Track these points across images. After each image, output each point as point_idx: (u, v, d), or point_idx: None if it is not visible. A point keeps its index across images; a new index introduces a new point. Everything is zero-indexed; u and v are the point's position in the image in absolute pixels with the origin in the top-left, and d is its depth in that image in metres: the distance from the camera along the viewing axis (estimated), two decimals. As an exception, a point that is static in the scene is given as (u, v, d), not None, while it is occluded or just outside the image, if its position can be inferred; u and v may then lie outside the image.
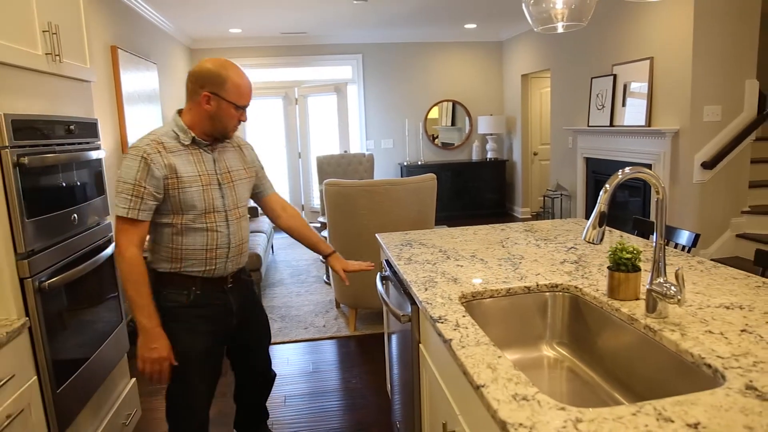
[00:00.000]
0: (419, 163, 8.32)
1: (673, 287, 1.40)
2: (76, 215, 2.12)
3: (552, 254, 2.22)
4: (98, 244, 2.34)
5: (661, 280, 1.44)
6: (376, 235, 2.70)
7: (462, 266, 2.08)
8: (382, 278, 2.37)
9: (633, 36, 5.43)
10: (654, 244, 1.52)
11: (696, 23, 4.66)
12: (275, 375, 2.40)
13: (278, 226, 2.28)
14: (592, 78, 6.10)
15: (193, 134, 1.86)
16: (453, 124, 8.71)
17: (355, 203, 3.60)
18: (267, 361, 2.34)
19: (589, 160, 6.29)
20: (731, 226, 5.03)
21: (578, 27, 2.30)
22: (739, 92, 4.89)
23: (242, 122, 1.93)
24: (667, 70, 5.00)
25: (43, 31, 2.00)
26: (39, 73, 2.02)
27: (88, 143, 2.32)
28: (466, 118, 8.64)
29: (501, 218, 8.29)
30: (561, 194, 6.87)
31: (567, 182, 6.86)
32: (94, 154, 2.31)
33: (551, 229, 2.75)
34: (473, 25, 7.55)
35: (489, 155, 8.51)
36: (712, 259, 4.79)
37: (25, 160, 1.75)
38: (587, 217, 6.38)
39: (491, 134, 8.46)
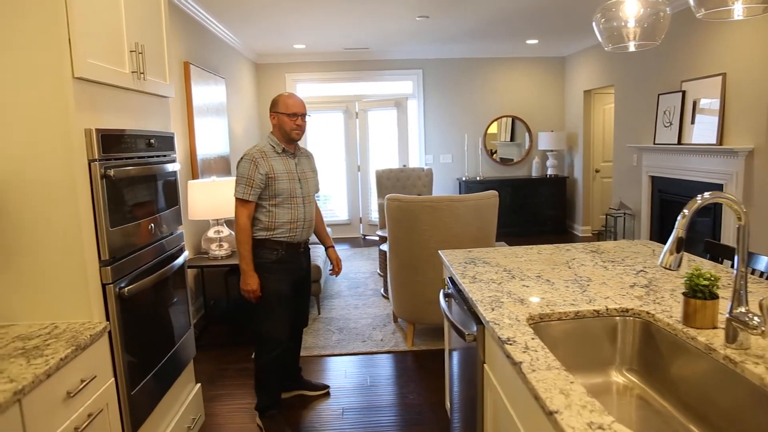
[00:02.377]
0: (478, 178, 8.27)
1: (756, 317, 1.35)
2: (153, 225, 2.22)
3: (620, 277, 2.17)
4: (171, 253, 2.44)
5: (743, 310, 1.39)
6: (440, 252, 2.70)
7: (528, 287, 2.06)
8: (445, 295, 2.36)
9: (704, 52, 5.25)
10: (735, 271, 1.47)
11: (775, 38, 4.46)
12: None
13: None
14: (659, 94, 5.92)
15: (283, 146, 2.82)
16: (512, 139, 8.62)
17: (417, 219, 3.61)
18: (308, 308, 3.21)
19: (654, 179, 6.10)
20: (810, 251, 4.75)
21: (650, 46, 2.25)
22: (822, 110, 4.64)
23: (300, 126, 2.79)
24: (742, 87, 4.80)
25: (131, 51, 2.12)
26: (125, 90, 2.14)
27: (165, 156, 2.44)
28: (526, 134, 8.54)
29: (561, 236, 8.12)
30: (624, 213, 6.68)
31: (630, 201, 6.66)
32: (170, 167, 2.43)
33: (618, 250, 2.68)
34: (535, 41, 7.47)
35: (549, 172, 8.37)
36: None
37: (111, 172, 1.86)
38: (652, 238, 6.17)
39: (552, 150, 8.32)
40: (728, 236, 4.97)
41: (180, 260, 2.51)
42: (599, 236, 7.04)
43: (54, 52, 1.69)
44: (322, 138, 8.32)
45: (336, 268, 3.16)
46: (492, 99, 8.44)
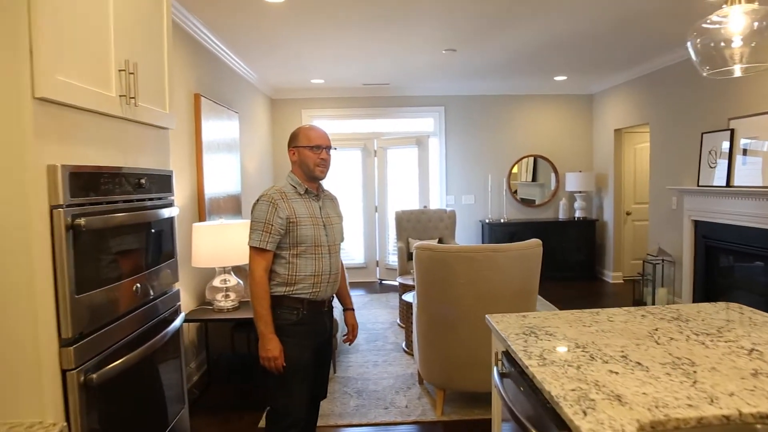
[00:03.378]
0: (502, 221, 7.81)
1: None
2: (139, 285, 1.78)
3: (731, 359, 1.69)
4: (164, 317, 1.99)
5: None
6: (488, 318, 2.23)
7: (617, 373, 1.59)
8: (501, 374, 1.89)
9: (754, 86, 4.83)
10: None
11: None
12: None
13: None
14: (702, 133, 5.49)
15: (306, 186, 2.43)
16: (534, 179, 8.18)
17: (452, 270, 3.16)
18: (328, 376, 2.75)
19: (698, 224, 5.61)
20: None
21: (760, 69, 1.82)
22: None
23: (325, 161, 2.43)
24: (803, 125, 4.36)
25: (120, 70, 1.73)
26: (110, 118, 1.73)
27: (160, 199, 2.02)
28: (552, 174, 8.11)
29: (590, 282, 7.59)
30: (663, 260, 6.17)
31: (670, 247, 6.16)
32: (166, 212, 2.01)
33: (704, 316, 2.20)
34: (563, 77, 7.11)
35: (577, 214, 7.90)
36: None
37: (82, 221, 1.43)
38: (696, 287, 5.65)
39: (579, 192, 7.87)
40: (792, 290, 4.45)
41: (175, 324, 2.07)
42: (634, 283, 6.51)
43: (8, 64, 1.29)
44: (339, 177, 7.93)
45: (351, 336, 2.76)
46: (517, 138, 8.06)
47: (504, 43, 5.24)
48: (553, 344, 1.86)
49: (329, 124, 7.84)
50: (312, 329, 2.42)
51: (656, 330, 2.02)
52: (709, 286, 5.52)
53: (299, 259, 2.34)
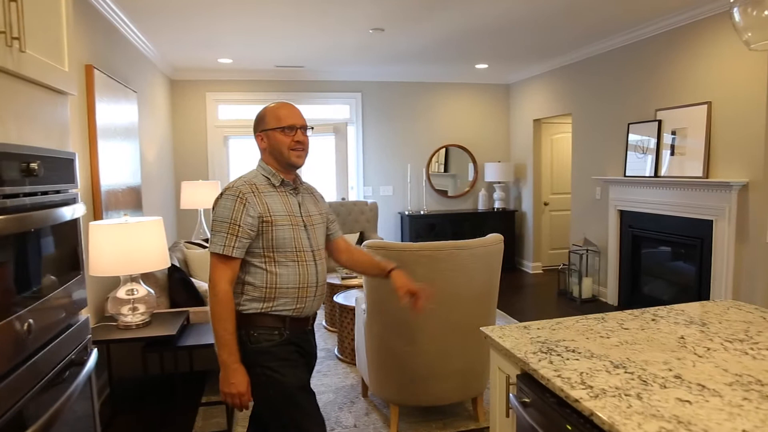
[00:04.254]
0: (422, 212, 7.54)
1: None
2: (32, 321, 1.21)
3: None
4: (71, 359, 1.42)
5: None
6: (486, 331, 1.85)
7: (690, 403, 1.27)
8: (523, 403, 1.52)
9: (684, 79, 4.83)
10: None
11: (770, 67, 4.09)
12: None
13: (342, 263, 2.29)
14: (629, 124, 5.47)
15: (281, 176, 1.98)
16: (446, 170, 7.95)
17: (410, 272, 2.73)
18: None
19: (624, 213, 5.61)
20: (802, 292, 4.35)
21: None
22: (812, 141, 4.31)
23: (302, 143, 1.97)
24: (731, 117, 4.39)
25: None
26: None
27: (59, 192, 1.44)
28: (470, 165, 7.95)
29: (510, 273, 7.52)
30: (587, 250, 6.16)
31: (594, 236, 6.16)
32: (68, 212, 1.42)
33: (719, 318, 1.95)
34: (485, 65, 6.93)
35: (496, 205, 7.81)
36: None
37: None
38: (622, 277, 5.66)
39: (498, 182, 7.77)
40: (721, 285, 4.48)
41: (88, 368, 1.49)
42: (560, 274, 6.48)
43: None
44: (246, 167, 7.29)
45: (420, 298, 2.12)
46: (436, 127, 7.80)
47: (434, 25, 4.90)
48: (586, 365, 1.52)
49: (236, 109, 7.17)
50: (299, 348, 1.98)
51: (683, 338, 1.74)
52: (635, 276, 5.54)
53: (280, 268, 1.90)
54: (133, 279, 3.03)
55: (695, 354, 1.60)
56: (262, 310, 1.89)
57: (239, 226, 1.83)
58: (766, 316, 2.00)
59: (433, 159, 7.83)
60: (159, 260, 2.97)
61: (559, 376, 1.44)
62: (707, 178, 4.58)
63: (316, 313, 2.07)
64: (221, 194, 1.89)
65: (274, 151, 1.96)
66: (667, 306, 2.13)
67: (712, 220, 4.54)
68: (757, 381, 1.40)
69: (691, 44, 4.76)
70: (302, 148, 1.97)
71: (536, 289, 6.73)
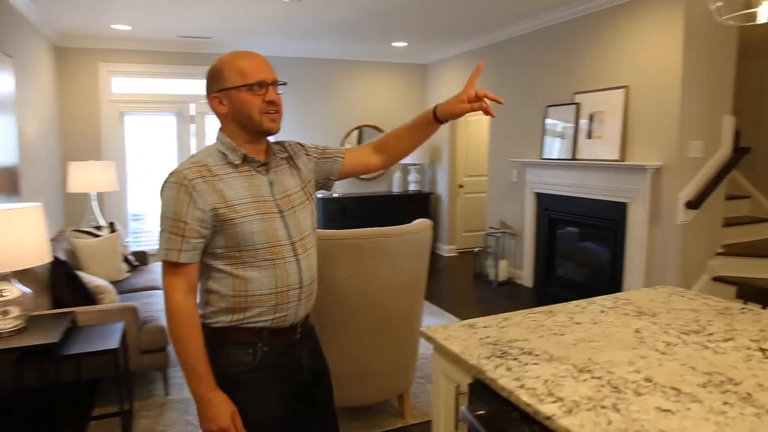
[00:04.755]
0: (334, 195, 7.27)
1: None
2: None
3: (761, 367, 1.33)
4: None
5: None
6: (426, 332, 1.63)
7: (672, 413, 1.13)
8: (478, 417, 1.31)
9: (602, 63, 4.85)
10: None
11: (685, 54, 4.14)
12: None
13: (392, 159, 1.83)
14: (547, 107, 5.47)
15: (243, 151, 1.54)
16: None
17: (333, 263, 2.49)
18: (337, 422, 1.85)
19: (540, 196, 5.63)
20: (707, 269, 4.52)
21: None
22: (718, 128, 4.45)
23: (275, 104, 1.52)
24: (647, 101, 4.44)
25: None
26: None
27: None
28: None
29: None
30: (504, 232, 6.16)
31: (510, 219, 6.16)
32: None
33: (665, 308, 1.85)
34: (403, 44, 6.72)
35: (411, 187, 7.68)
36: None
37: None
38: (538, 259, 5.69)
39: (414, 165, 7.64)
40: (634, 266, 4.56)
41: None
42: (476, 257, 6.44)
43: None
44: (148, 146, 6.69)
45: (481, 100, 1.62)
46: (351, 106, 7.53)
47: (353, -5, 4.62)
48: (548, 370, 1.33)
49: (135, 83, 6.54)
50: (280, 373, 1.58)
51: (639, 332, 1.61)
52: (550, 257, 5.58)
53: (249, 271, 1.51)
54: (2, 278, 2.56)
55: (657, 350, 1.46)
56: (233, 324, 1.52)
57: (185, 223, 1.44)
58: (709, 302, 1.93)
59: (347, 140, 7.55)
60: (37, 254, 2.52)
61: (522, 386, 1.24)
62: (623, 161, 4.63)
63: (307, 317, 1.68)
64: (164, 183, 1.49)
65: (240, 116, 1.51)
66: (611, 295, 2.01)
67: (626, 203, 4.61)
68: (729, 380, 1.27)
69: (609, 28, 4.77)
70: (276, 109, 1.53)
71: (452, 272, 6.68)
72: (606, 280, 4.87)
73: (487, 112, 1.66)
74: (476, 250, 6.45)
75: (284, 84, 1.56)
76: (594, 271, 5.09)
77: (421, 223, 2.71)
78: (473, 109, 1.65)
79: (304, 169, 1.69)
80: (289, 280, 1.54)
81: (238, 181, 1.51)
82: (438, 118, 1.68)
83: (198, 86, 6.83)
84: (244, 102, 1.50)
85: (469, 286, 6.05)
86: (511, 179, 6.11)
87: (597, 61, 4.91)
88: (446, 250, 7.61)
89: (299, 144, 1.75)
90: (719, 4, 1.48)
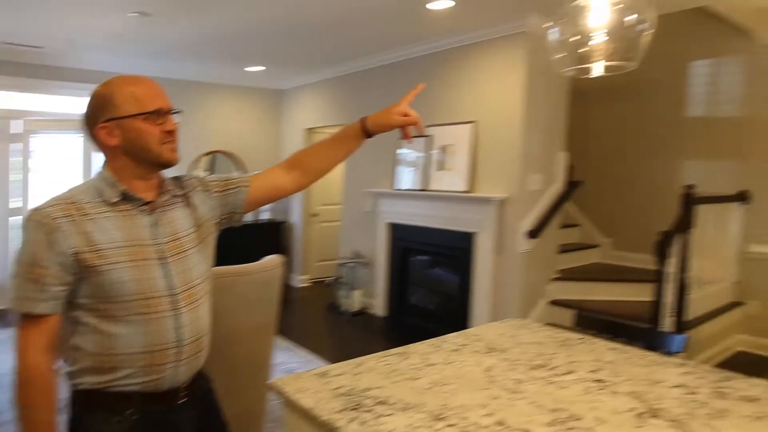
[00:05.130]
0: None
1: None
2: None
3: (600, 399, 1.41)
4: None
5: None
6: (274, 383, 1.52)
7: None
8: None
9: (452, 98, 5.10)
10: None
11: (526, 94, 4.48)
12: None
13: (308, 179, 1.68)
14: (399, 138, 5.60)
15: (123, 187, 1.36)
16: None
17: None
18: None
19: (394, 226, 5.75)
20: (545, 294, 4.88)
21: (624, 70, 1.58)
22: (554, 163, 4.87)
23: (172, 133, 1.39)
24: (493, 136, 4.74)
25: None
26: None
27: None
28: (237, 174, 7.49)
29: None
30: (357, 262, 6.19)
31: (364, 249, 6.21)
32: None
33: (514, 342, 1.91)
34: (258, 68, 6.57)
35: (265, 216, 7.48)
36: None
37: None
38: (391, 288, 5.77)
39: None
40: (481, 295, 4.77)
41: None
42: (329, 288, 6.39)
43: None
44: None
45: (408, 128, 1.67)
46: (202, 131, 7.18)
47: (209, 17, 4.40)
48: (403, 422, 1.30)
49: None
50: None
51: (490, 370, 1.64)
52: (403, 287, 5.69)
53: (117, 326, 1.30)
54: None
55: (507, 389, 1.49)
56: (99, 386, 1.32)
57: (43, 267, 1.24)
58: (552, 333, 2.03)
59: (197, 166, 7.19)
60: None
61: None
62: (471, 192, 4.86)
63: (195, 377, 1.46)
64: (24, 220, 1.29)
65: (135, 148, 1.35)
66: (463, 332, 2.05)
67: (474, 233, 4.83)
68: (572, 416, 1.33)
69: (460, 66, 5.03)
70: (174, 139, 1.40)
71: (306, 304, 6.57)
72: (457, 306, 5.05)
73: (406, 135, 1.67)
74: (329, 280, 6.40)
75: (180, 112, 1.44)
76: (445, 298, 5.26)
77: (272, 260, 2.60)
78: (405, 123, 1.64)
79: (201, 207, 1.52)
80: (164, 338, 1.34)
81: (113, 221, 1.33)
82: (368, 130, 1.63)
83: (27, 101, 6.11)
84: (140, 132, 1.34)
85: (322, 317, 5.97)
86: (365, 209, 6.17)
87: (448, 96, 5.15)
88: (299, 280, 7.48)
89: (198, 178, 1.58)
90: (558, 56, 1.57)
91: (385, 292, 5.87)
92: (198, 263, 1.46)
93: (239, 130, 7.46)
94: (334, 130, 6.12)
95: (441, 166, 5.15)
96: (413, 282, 5.62)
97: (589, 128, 6.00)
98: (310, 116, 7.16)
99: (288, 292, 7.10)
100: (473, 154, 4.86)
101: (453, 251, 5.09)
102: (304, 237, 7.45)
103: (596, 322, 2.45)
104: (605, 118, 5.90)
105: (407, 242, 5.58)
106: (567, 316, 4.50)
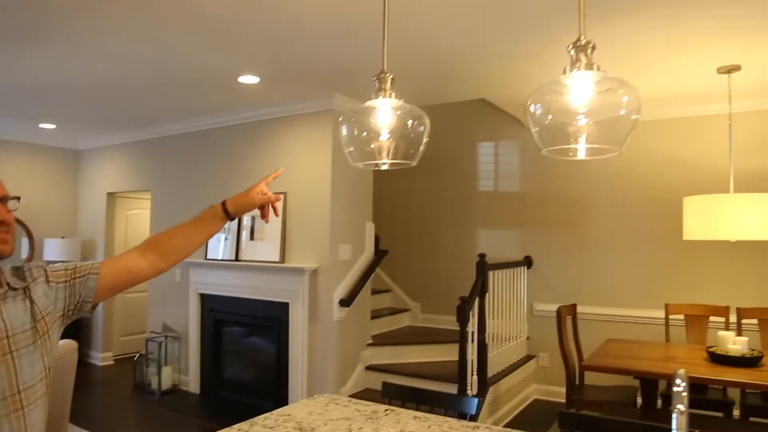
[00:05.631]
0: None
1: None
2: None
3: None
4: None
5: None
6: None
7: None
8: None
9: (264, 169, 5.14)
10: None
11: (333, 169, 4.71)
12: None
13: (160, 267, 1.59)
14: (211, 206, 5.48)
15: None
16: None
17: None
18: None
19: (205, 297, 5.52)
20: (361, 359, 5.02)
21: (406, 166, 1.75)
22: (362, 233, 5.11)
23: (5, 222, 1.31)
24: (304, 207, 4.86)
25: None
26: None
27: None
28: (25, 240, 6.66)
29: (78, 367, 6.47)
30: (167, 336, 5.79)
31: (174, 322, 5.85)
32: None
33: (326, 419, 1.94)
34: (52, 126, 6.02)
35: (58, 288, 6.69)
36: (350, 396, 4.62)
37: None
38: (204, 362, 5.48)
39: (63, 261, 6.71)
40: (296, 366, 4.74)
41: None
42: (135, 365, 5.86)
43: None
44: None
45: (266, 207, 1.70)
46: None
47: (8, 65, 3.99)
48: None
49: None
50: None
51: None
52: (217, 360, 5.44)
53: None
54: None
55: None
56: None
57: None
58: (360, 407, 2.09)
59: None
60: None
61: None
62: (283, 262, 4.89)
63: None
64: None
65: None
66: (273, 412, 2.02)
67: (288, 302, 4.83)
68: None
69: (272, 137, 5.13)
70: (8, 230, 1.32)
71: (109, 385, 5.95)
72: (273, 378, 4.95)
73: (264, 215, 1.70)
74: (136, 357, 5.89)
75: (17, 199, 1.34)
76: (261, 370, 5.13)
77: (64, 346, 2.34)
78: (265, 202, 1.68)
79: (42, 300, 1.39)
80: None
81: None
82: (229, 212, 1.61)
83: None
84: None
85: (128, 399, 5.44)
86: (175, 279, 5.85)
87: (259, 167, 5.19)
88: (101, 358, 6.78)
89: (42, 268, 1.44)
90: (351, 149, 1.70)
91: (198, 367, 5.55)
92: (34, 362, 1.33)
93: (30, 193, 6.67)
94: (141, 195, 5.81)
95: (253, 236, 5.12)
96: (228, 355, 5.41)
97: (396, 200, 6.44)
98: (114, 180, 6.69)
99: (89, 372, 6.38)
100: (285, 225, 4.92)
101: (268, 321, 5.02)
102: (105, 309, 6.80)
103: (403, 390, 2.58)
104: (410, 190, 6.38)
105: (221, 313, 5.39)
106: (383, 379, 4.65)
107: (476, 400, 2.23)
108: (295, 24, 3.08)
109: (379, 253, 5.31)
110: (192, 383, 5.59)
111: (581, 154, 1.51)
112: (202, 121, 5.58)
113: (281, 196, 1.75)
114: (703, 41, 3.28)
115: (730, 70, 3.78)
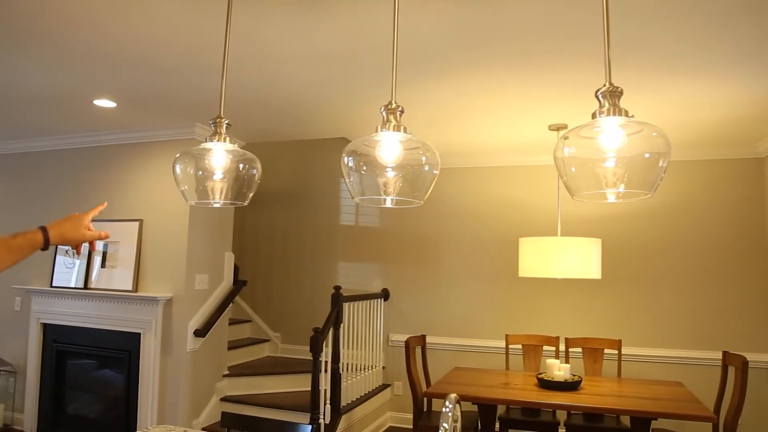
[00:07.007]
0: None
1: None
2: None
3: None
4: None
5: None
6: None
7: None
8: None
9: (120, 194, 4.99)
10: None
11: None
12: None
13: None
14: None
15: None
16: None
17: None
18: None
19: (48, 327, 5.18)
20: (216, 391, 4.96)
21: (238, 206, 1.87)
22: (221, 263, 5.11)
23: None
24: (159, 236, 4.76)
25: None
26: None
27: None
28: None
29: None
30: (2, 371, 5.34)
31: (11, 355, 5.41)
32: None
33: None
34: None
35: None
36: (202, 428, 4.56)
37: None
38: (43, 398, 5.11)
39: None
40: (147, 398, 4.58)
41: None
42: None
43: None
44: None
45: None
46: None
47: None
48: None
49: None
50: None
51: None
52: (59, 395, 5.09)
53: None
54: None
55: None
56: None
57: None
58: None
59: None
60: None
61: None
62: (137, 291, 4.74)
63: None
64: None
65: None
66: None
67: (140, 333, 4.68)
68: None
69: (128, 162, 4.99)
70: None
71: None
72: (122, 412, 4.73)
73: (94, 246, 1.70)
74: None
75: None
76: (109, 404, 4.88)
77: None
78: (96, 238, 1.66)
79: None
80: None
81: None
82: (48, 242, 1.53)
83: None
84: None
85: (-53, 441, 4.92)
86: (14, 308, 5.44)
87: (115, 191, 5.02)
88: None
89: None
90: (185, 188, 1.80)
91: (36, 404, 5.15)
92: None
93: None
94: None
95: (105, 263, 4.92)
96: (72, 389, 5.08)
97: (259, 231, 6.48)
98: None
99: None
100: (139, 253, 4.80)
101: (118, 353, 4.81)
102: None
103: (242, 419, 2.64)
104: (273, 222, 6.45)
105: (65, 345, 5.07)
106: (239, 411, 4.63)
107: (309, 427, 2.35)
108: (148, 58, 3.12)
109: (238, 284, 5.31)
110: (28, 422, 5.18)
111: (388, 203, 1.73)
112: (58, 140, 5.30)
113: (109, 233, 1.75)
114: (535, 102, 3.76)
115: (559, 127, 4.33)
